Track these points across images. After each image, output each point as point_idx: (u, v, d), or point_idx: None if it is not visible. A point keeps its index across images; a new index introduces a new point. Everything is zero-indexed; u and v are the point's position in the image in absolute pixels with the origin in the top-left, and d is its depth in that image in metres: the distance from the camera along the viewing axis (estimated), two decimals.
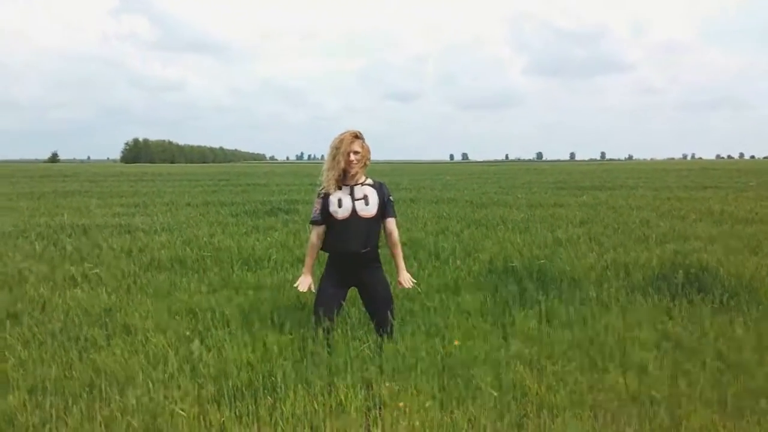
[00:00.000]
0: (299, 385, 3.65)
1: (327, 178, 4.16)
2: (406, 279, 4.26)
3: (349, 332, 4.35)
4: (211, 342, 4.27)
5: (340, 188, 4.15)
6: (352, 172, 4.11)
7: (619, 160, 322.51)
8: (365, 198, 4.14)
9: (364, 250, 4.13)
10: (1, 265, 6.81)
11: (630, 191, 21.31)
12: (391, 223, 4.25)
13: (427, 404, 3.42)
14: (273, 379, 3.69)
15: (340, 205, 4.11)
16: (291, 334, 4.29)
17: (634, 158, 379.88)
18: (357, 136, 4.16)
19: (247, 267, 6.70)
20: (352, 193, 4.14)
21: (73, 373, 3.79)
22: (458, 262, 6.82)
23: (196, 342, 4.14)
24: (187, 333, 4.44)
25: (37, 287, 5.69)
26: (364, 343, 4.23)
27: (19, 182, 30.60)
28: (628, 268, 6.29)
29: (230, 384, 3.64)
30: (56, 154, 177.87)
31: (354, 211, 4.10)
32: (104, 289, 5.66)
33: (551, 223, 10.60)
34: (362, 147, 4.16)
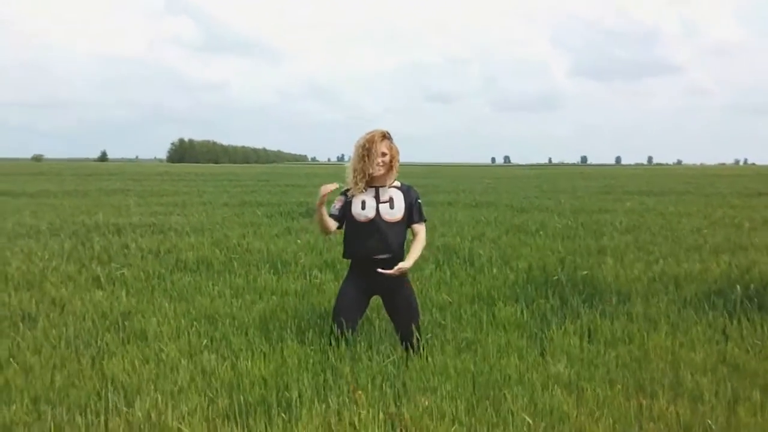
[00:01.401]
0: (316, 403, 3.39)
1: (353, 179, 3.91)
2: (399, 266, 3.81)
3: (373, 344, 4.06)
4: (227, 351, 4.04)
5: (365, 190, 3.89)
6: (378, 173, 3.84)
7: (667, 164, 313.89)
8: (391, 201, 3.88)
9: (385, 256, 3.85)
10: (27, 263, 6.75)
11: (679, 197, 20.47)
12: (418, 227, 3.96)
13: (452, 430, 3.11)
14: (288, 395, 3.43)
15: (363, 207, 3.86)
16: (312, 346, 4.02)
17: (683, 163, 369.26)
18: (385, 136, 3.90)
19: (273, 270, 6.48)
20: (377, 196, 3.87)
21: (82, 381, 3.60)
22: (494, 270, 6.46)
23: (207, 354, 3.91)
24: (204, 342, 4.21)
25: (59, 288, 5.57)
26: (388, 357, 3.94)
27: (66, 180, 31.33)
28: (679, 280, 5.83)
29: (242, 399, 3.40)
30: (105, 153, 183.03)
31: (378, 213, 3.84)
32: (125, 291, 5.51)
33: (595, 230, 10.10)
34: (390, 148, 3.89)
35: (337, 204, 3.94)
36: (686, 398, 3.49)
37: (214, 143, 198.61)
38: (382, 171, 3.86)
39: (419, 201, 3.99)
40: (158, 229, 10.09)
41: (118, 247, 7.75)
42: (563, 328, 4.58)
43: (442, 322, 4.73)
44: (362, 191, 3.88)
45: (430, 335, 4.32)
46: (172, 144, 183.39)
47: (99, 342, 4.21)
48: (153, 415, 3.16)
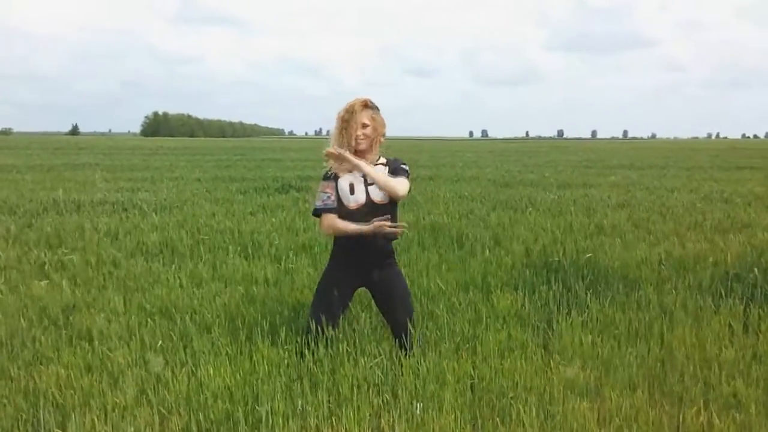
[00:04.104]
0: (291, 419, 2.84)
1: (332, 165, 3.34)
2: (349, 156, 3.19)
3: (358, 344, 3.49)
4: (185, 354, 3.45)
5: (350, 170, 3.31)
6: (360, 147, 3.26)
7: (641, 138, 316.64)
8: None
9: (380, 244, 3.30)
10: None
11: (660, 171, 20.20)
12: (401, 180, 3.35)
13: None
14: (257, 410, 2.88)
15: (352, 191, 3.30)
16: (285, 345, 3.45)
17: (657, 137, 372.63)
18: (367, 105, 3.31)
19: (243, 255, 5.86)
20: (365, 176, 3.29)
21: (10, 395, 2.99)
22: (486, 252, 5.92)
23: (158, 359, 3.31)
24: (160, 343, 3.61)
25: None
26: (375, 358, 3.39)
27: (33, 154, 30.07)
28: (687, 263, 5.34)
29: (202, 416, 2.83)
30: (77, 126, 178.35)
31: (368, 198, 3.28)
32: (74, 281, 4.85)
33: (586, 206, 9.62)
34: (372, 119, 3.30)
35: (330, 192, 3.33)
36: (721, 405, 3.01)
37: (189, 116, 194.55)
38: (363, 145, 3.29)
39: (403, 165, 3.42)
40: (121, 206, 9.36)
41: (72, 228, 7.03)
42: (569, 319, 4.07)
43: (437, 312, 4.18)
44: (348, 170, 3.30)
45: (423, 330, 3.78)
46: (146, 117, 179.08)
47: (36, 344, 3.58)
48: None
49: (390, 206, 3.33)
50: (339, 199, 3.32)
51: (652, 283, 4.81)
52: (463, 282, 4.95)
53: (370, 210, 3.27)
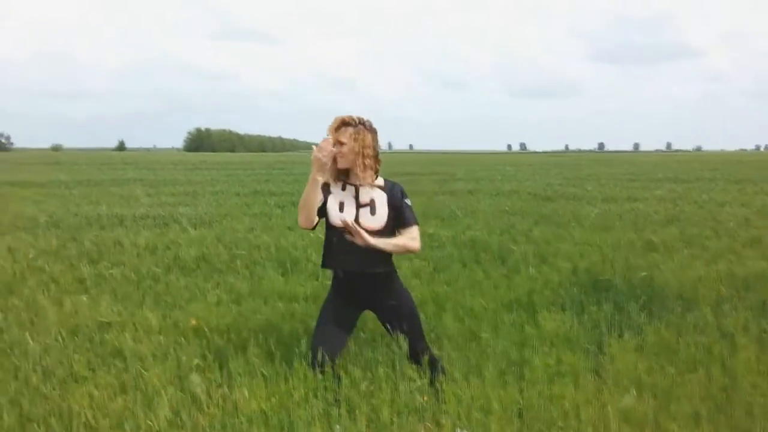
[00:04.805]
0: None
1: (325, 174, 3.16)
2: (359, 230, 3.00)
3: (397, 367, 3.32)
4: (220, 375, 3.34)
5: (344, 188, 3.15)
6: (340, 166, 3.10)
7: (686, 150, 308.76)
8: (372, 204, 3.13)
9: (368, 271, 3.14)
10: (10, 261, 6.08)
11: (709, 184, 19.50)
12: (411, 232, 3.18)
13: None
14: None
15: (341, 209, 3.12)
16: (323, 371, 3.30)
17: (702, 149, 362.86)
18: (345, 122, 3.11)
19: (281, 270, 5.77)
20: (357, 197, 3.13)
21: (38, 419, 2.92)
22: (531, 269, 5.70)
23: (196, 377, 3.21)
24: (196, 361, 3.52)
25: (36, 292, 4.89)
26: (414, 382, 3.21)
27: (81, 170, 30.97)
28: (749, 283, 5.02)
29: None
30: (123, 142, 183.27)
31: (356, 220, 3.09)
32: (114, 295, 4.82)
33: (633, 221, 9.28)
34: (352, 138, 3.08)
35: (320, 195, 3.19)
36: None
37: (230, 132, 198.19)
38: (342, 164, 3.09)
39: (407, 201, 3.23)
40: (162, 221, 9.44)
41: (112, 243, 7.07)
42: (622, 342, 3.83)
43: (480, 333, 3.98)
44: (337, 185, 3.15)
45: (464, 349, 3.61)
46: (189, 133, 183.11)
47: (71, 362, 3.52)
48: None
49: (380, 234, 3.09)
50: (328, 213, 3.15)
51: (710, 303, 4.52)
52: (507, 301, 4.76)
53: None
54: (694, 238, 7.51)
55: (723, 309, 4.40)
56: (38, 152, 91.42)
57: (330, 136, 3.06)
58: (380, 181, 3.21)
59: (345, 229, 3.06)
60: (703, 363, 3.54)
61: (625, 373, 3.42)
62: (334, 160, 3.07)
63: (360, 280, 3.18)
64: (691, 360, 3.59)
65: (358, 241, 3.04)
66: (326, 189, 3.16)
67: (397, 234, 3.16)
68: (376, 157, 3.14)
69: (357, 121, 3.12)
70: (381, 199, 3.15)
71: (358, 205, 3.13)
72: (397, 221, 3.18)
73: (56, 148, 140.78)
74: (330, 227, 3.19)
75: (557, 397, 3.10)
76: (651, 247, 6.77)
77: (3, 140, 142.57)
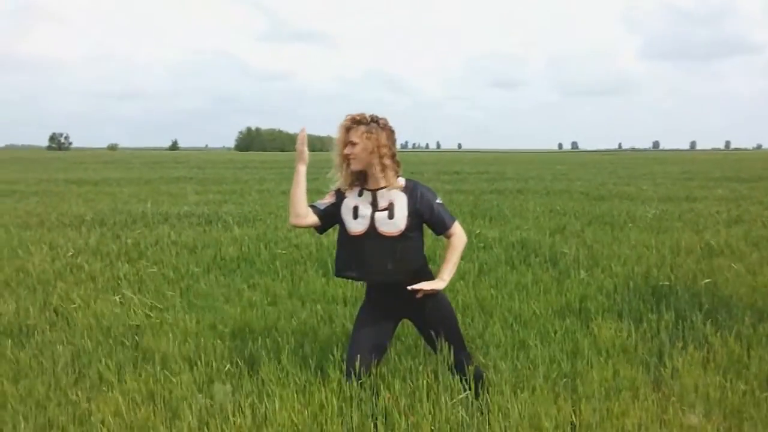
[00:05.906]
0: None
1: (339, 178, 2.97)
2: (429, 285, 2.86)
3: (440, 377, 3.09)
4: (252, 384, 3.18)
5: (360, 194, 2.93)
6: (354, 168, 2.87)
7: (746, 149, 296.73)
8: (390, 208, 2.88)
9: (390, 280, 2.91)
10: (50, 258, 6.12)
11: None
12: (451, 231, 2.97)
13: None
14: None
15: (355, 215, 2.90)
16: (359, 377, 3.10)
17: (763, 147, 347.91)
18: (357, 120, 2.88)
19: (322, 271, 5.61)
20: (374, 201, 2.90)
21: (63, 424, 2.82)
22: (583, 273, 5.37)
23: (222, 387, 3.05)
24: (227, 367, 3.37)
25: (71, 291, 4.86)
26: (459, 395, 2.97)
27: (134, 168, 31.76)
28: None
29: None
30: (176, 142, 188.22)
31: (372, 225, 2.87)
32: (149, 296, 4.74)
33: (693, 222, 8.77)
34: (364, 137, 2.85)
35: (329, 198, 2.99)
36: None
37: (280, 131, 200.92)
38: (356, 165, 2.86)
39: (439, 202, 2.98)
40: (206, 219, 9.43)
41: (154, 241, 7.05)
42: (686, 355, 3.50)
43: (529, 341, 3.72)
44: (353, 191, 2.94)
45: (510, 364, 3.35)
46: (240, 132, 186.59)
47: (100, 366, 3.41)
48: None
49: (399, 239, 2.88)
50: (339, 216, 2.96)
51: None
52: (559, 307, 4.47)
53: (373, 240, 2.87)
54: (762, 240, 7.00)
55: None
56: (95, 151, 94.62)
57: (304, 128, 2.95)
58: (401, 181, 2.97)
59: (364, 237, 2.88)
60: None
61: (690, 389, 3.11)
62: (348, 163, 2.88)
63: (392, 289, 2.96)
64: (764, 376, 3.25)
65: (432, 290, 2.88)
66: (340, 196, 2.98)
67: (443, 236, 2.99)
68: (393, 157, 2.90)
69: (369, 119, 2.90)
70: (401, 203, 2.90)
71: (375, 209, 2.90)
72: (433, 225, 2.97)
73: (112, 148, 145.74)
74: (343, 233, 2.98)
75: (616, 415, 2.82)
76: (714, 251, 6.32)
77: (62, 140, 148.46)
